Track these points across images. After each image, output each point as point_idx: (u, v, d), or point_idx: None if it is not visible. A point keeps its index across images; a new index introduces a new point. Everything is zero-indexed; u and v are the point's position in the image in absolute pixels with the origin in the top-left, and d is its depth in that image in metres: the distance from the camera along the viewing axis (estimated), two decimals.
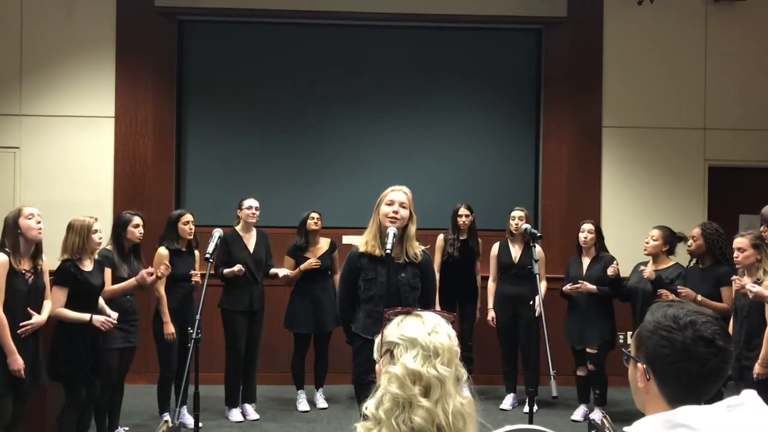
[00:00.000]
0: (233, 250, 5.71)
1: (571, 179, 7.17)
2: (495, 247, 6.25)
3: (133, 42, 7.02)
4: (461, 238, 6.28)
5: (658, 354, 1.50)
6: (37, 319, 4.18)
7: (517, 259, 6.07)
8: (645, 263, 5.46)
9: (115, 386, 5.00)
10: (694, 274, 5.25)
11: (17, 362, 3.98)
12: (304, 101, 7.29)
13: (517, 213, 6.07)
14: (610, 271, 5.55)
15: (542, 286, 5.66)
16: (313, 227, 6.05)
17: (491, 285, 6.24)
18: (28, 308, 4.13)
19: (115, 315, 4.63)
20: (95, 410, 4.88)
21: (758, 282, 4.38)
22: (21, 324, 4.08)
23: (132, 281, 4.91)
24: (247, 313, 5.75)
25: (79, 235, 4.48)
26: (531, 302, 5.80)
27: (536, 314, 5.70)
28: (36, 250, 4.22)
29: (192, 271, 5.42)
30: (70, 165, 6.96)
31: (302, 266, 5.95)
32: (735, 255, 4.53)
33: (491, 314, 6.21)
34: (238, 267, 5.57)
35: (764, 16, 7.24)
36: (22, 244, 4.11)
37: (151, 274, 4.93)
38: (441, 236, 6.33)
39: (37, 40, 6.98)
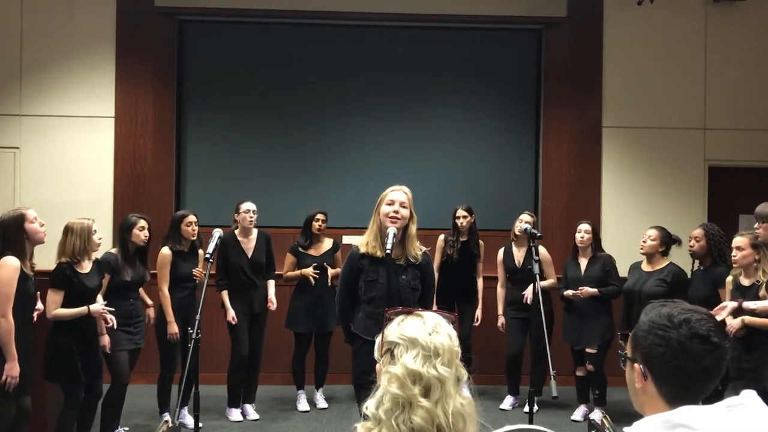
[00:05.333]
0: (230, 254, 5.71)
1: (571, 179, 7.17)
2: (500, 252, 6.24)
3: (133, 42, 7.01)
4: (461, 239, 6.27)
5: (655, 353, 1.51)
6: (41, 306, 4.43)
7: (520, 264, 6.06)
8: (640, 263, 5.47)
9: (119, 387, 4.98)
10: (696, 276, 5.26)
11: (16, 368, 3.97)
12: (304, 101, 7.29)
13: (524, 217, 6.01)
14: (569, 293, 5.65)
15: (544, 284, 5.66)
16: (317, 231, 6.05)
17: (500, 290, 6.23)
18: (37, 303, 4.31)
19: (103, 303, 4.63)
20: (102, 410, 4.87)
21: (757, 283, 4.36)
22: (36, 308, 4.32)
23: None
24: (248, 315, 5.75)
25: (80, 237, 4.47)
26: (524, 298, 5.87)
27: (526, 301, 5.84)
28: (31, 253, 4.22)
29: (195, 269, 5.41)
30: (70, 165, 6.95)
31: (303, 271, 5.96)
32: (733, 254, 4.50)
33: (501, 320, 6.21)
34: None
35: (764, 16, 7.23)
36: (28, 247, 4.12)
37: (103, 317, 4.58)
38: (442, 236, 6.32)
39: (37, 40, 6.97)
